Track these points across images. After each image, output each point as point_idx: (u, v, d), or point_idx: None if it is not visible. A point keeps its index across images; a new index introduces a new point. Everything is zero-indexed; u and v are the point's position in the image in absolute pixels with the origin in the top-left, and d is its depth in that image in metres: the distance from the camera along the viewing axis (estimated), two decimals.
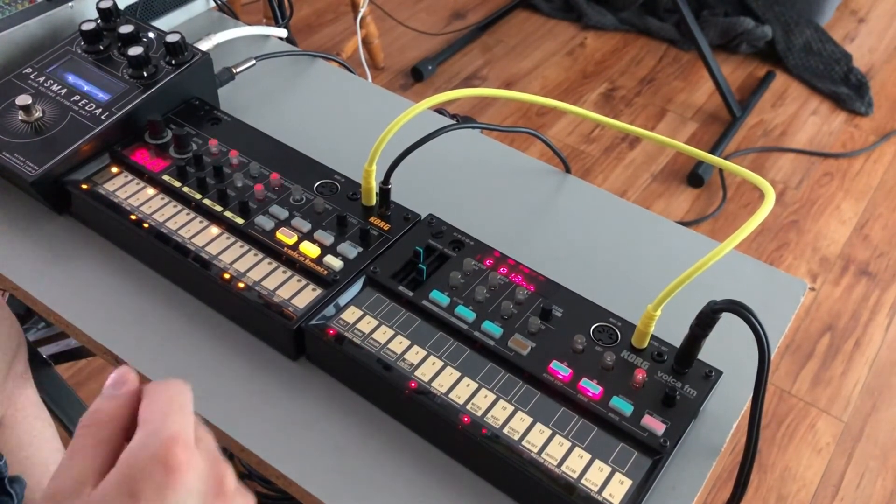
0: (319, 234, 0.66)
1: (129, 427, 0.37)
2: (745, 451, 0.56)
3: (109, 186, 0.70)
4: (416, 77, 2.23)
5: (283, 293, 0.62)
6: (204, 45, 0.84)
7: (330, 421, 0.59)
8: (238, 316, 0.65)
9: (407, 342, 0.60)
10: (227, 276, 0.63)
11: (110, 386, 0.38)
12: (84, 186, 0.70)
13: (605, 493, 0.52)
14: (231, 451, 0.59)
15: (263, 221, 0.67)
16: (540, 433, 0.55)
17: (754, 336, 0.52)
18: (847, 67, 2.29)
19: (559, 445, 0.54)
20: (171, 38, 0.76)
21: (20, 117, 0.72)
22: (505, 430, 0.55)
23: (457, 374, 0.58)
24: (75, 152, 0.70)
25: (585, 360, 0.59)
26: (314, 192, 0.70)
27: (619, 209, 0.78)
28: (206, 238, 0.66)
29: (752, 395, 0.55)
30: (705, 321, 0.55)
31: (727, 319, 0.54)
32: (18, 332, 0.91)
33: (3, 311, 0.89)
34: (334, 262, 0.64)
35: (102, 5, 0.79)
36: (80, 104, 0.74)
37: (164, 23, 0.92)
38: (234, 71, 0.84)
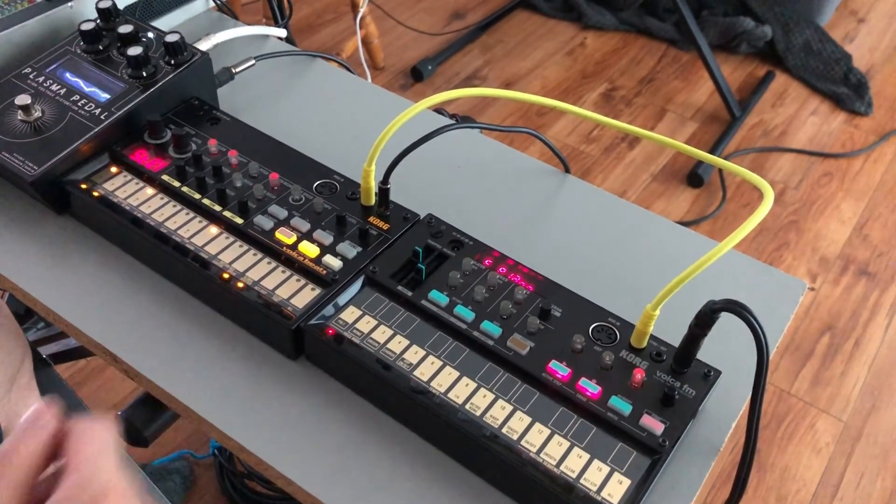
0: (318, 234, 0.66)
1: (44, 469, 0.34)
2: (744, 451, 0.56)
3: (109, 186, 0.70)
4: (416, 77, 2.23)
5: (283, 293, 0.62)
6: (203, 45, 0.84)
7: (330, 421, 0.59)
8: (237, 315, 0.65)
9: (406, 342, 0.60)
10: (226, 275, 0.63)
11: (26, 423, 0.34)
12: (83, 186, 0.70)
13: (603, 493, 0.52)
14: (231, 451, 0.59)
15: (262, 221, 0.67)
16: (539, 433, 0.55)
17: (753, 336, 0.52)
18: (847, 67, 2.29)
19: (558, 445, 0.54)
20: (170, 38, 0.76)
21: (20, 117, 0.72)
22: (504, 430, 0.55)
23: (456, 374, 0.58)
24: (75, 152, 0.70)
25: (584, 359, 0.59)
26: (313, 191, 0.70)
27: (618, 209, 0.78)
28: (206, 238, 0.66)
29: (750, 394, 0.55)
30: (704, 321, 0.55)
31: (726, 319, 0.54)
32: (24, 344, 0.91)
33: (10, 325, 0.88)
34: (333, 262, 0.64)
35: (102, 5, 0.79)
36: (79, 104, 0.74)
37: (164, 23, 0.92)
38: (234, 71, 0.84)
